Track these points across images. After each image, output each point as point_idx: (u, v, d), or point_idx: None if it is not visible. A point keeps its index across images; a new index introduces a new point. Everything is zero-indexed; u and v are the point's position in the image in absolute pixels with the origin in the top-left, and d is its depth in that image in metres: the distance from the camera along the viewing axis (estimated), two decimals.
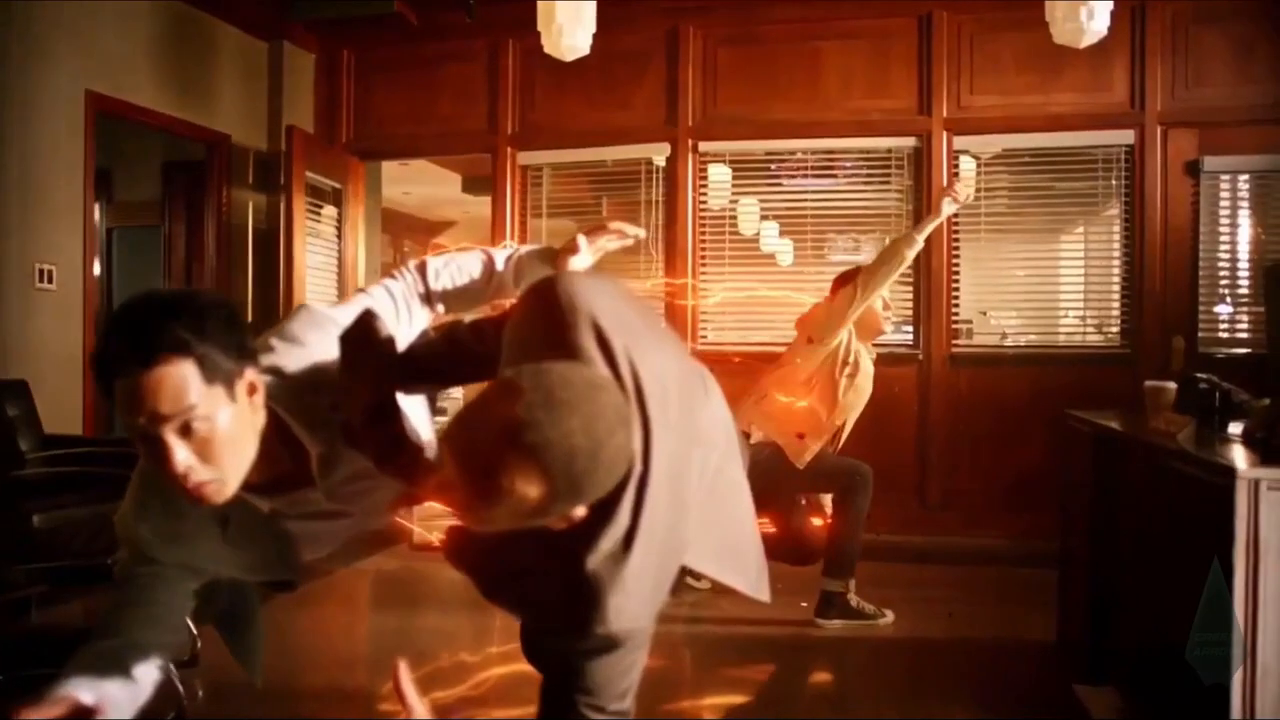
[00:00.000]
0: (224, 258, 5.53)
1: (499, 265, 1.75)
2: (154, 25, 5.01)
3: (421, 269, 1.75)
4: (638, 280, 5.67)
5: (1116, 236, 5.17)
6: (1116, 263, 5.17)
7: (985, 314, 5.40)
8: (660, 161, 5.57)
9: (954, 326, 5.26)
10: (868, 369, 3.76)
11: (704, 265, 5.55)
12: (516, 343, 1.39)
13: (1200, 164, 4.95)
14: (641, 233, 1.80)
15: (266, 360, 1.52)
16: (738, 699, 3.08)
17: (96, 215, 6.78)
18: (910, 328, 5.27)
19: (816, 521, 3.91)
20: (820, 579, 3.71)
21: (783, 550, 3.90)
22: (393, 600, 4.29)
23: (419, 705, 1.15)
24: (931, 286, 5.21)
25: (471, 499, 1.14)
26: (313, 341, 1.54)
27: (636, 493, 1.27)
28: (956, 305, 5.27)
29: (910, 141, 5.26)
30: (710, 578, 1.65)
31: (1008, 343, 5.31)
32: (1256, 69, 4.88)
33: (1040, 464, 4.71)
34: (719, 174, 5.57)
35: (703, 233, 5.55)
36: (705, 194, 5.56)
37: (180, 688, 2.68)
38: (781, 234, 5.63)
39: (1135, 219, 5.04)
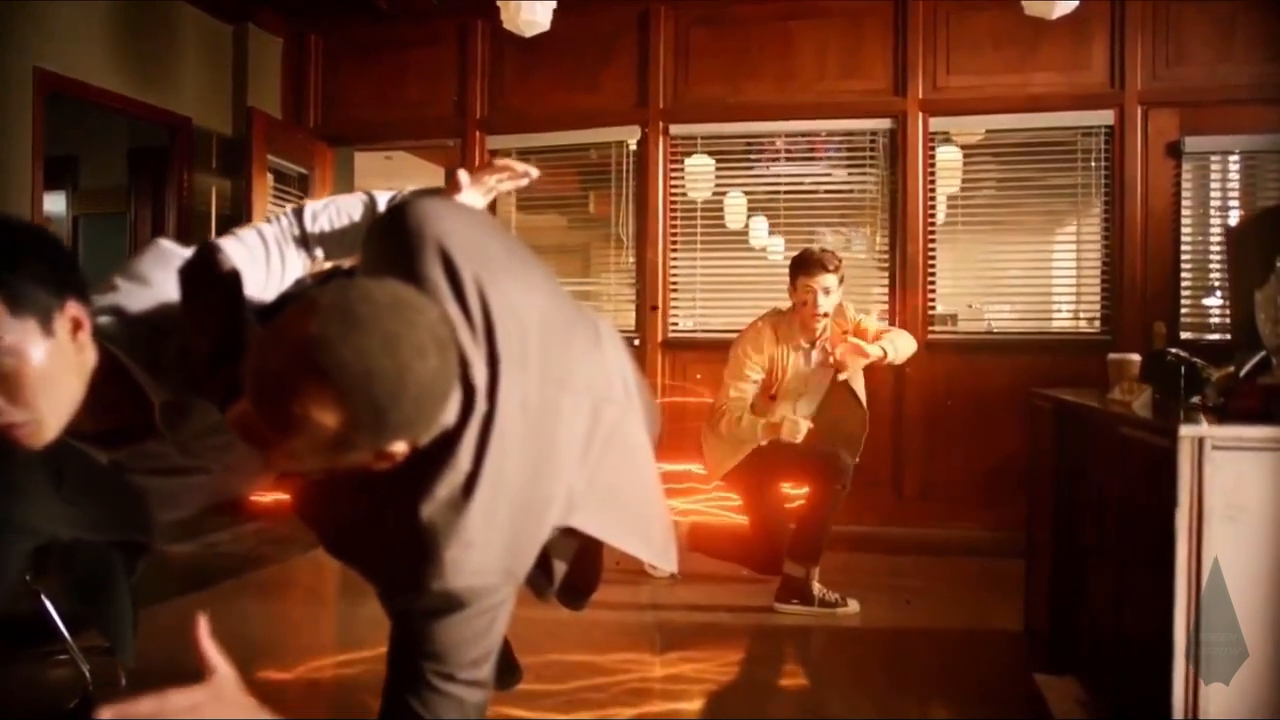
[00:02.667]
0: (185, 243, 5.39)
1: (381, 207, 1.63)
2: (111, 4, 4.89)
3: (299, 213, 1.63)
4: (608, 269, 5.57)
5: (1097, 222, 5.02)
6: (1097, 247, 5.03)
7: (971, 306, 5.26)
8: (633, 145, 5.44)
9: (930, 314, 5.13)
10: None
11: (675, 251, 5.42)
12: (366, 270, 1.27)
13: (1181, 144, 4.81)
14: (534, 171, 1.68)
15: (108, 299, 1.40)
16: (691, 688, 2.95)
17: (62, 202, 6.73)
18: (886, 316, 5.14)
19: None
20: (784, 563, 3.59)
21: (747, 554, 3.81)
22: (342, 588, 4.16)
23: (220, 662, 1.02)
24: (907, 274, 5.08)
25: (267, 429, 1.01)
26: (159, 280, 1.42)
27: (480, 434, 1.15)
28: (933, 293, 5.14)
29: (885, 123, 5.13)
30: (607, 543, 1.52)
31: (985, 330, 5.18)
32: (1238, 47, 4.75)
33: (1018, 453, 4.54)
34: (700, 164, 5.42)
35: (674, 218, 5.42)
36: (681, 180, 5.42)
37: (88, 674, 2.57)
38: (770, 229, 5.51)
39: (1115, 202, 4.91)
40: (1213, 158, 4.91)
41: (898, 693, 2.85)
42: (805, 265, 3.63)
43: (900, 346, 3.64)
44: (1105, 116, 4.90)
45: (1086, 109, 4.91)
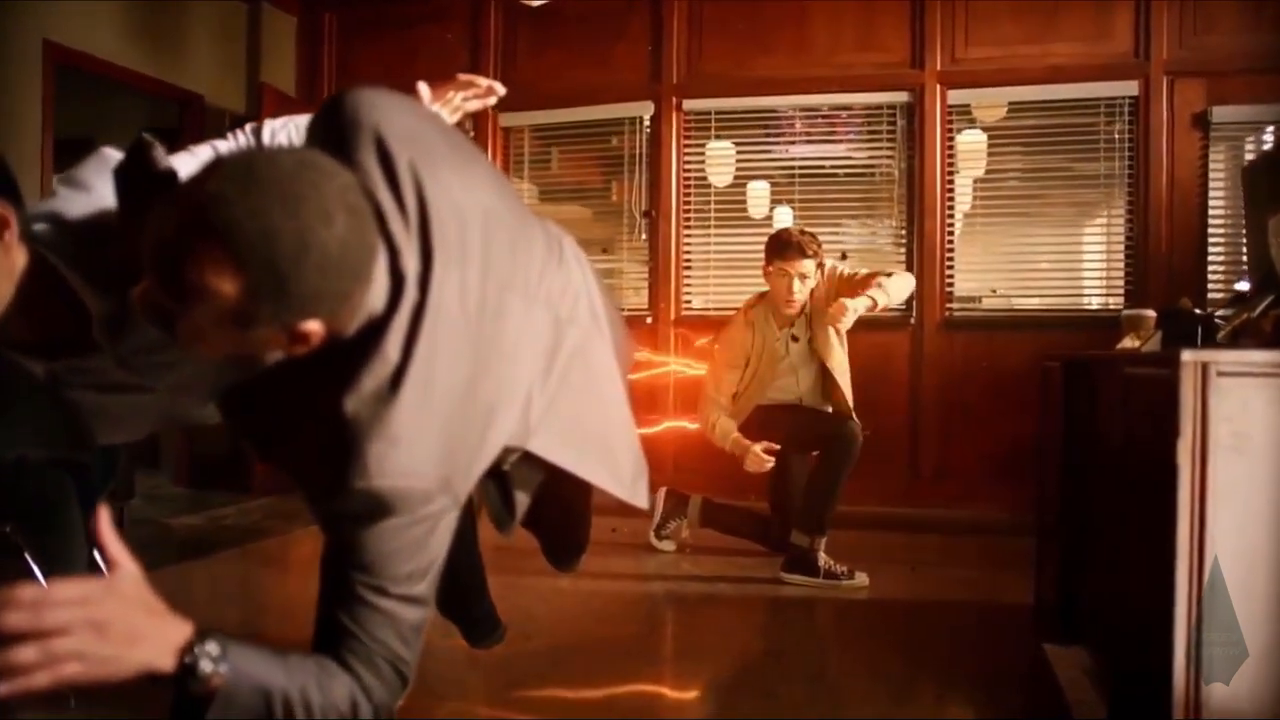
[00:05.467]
0: None
1: None
2: None
3: (256, 131, 1.58)
4: (622, 248, 5.49)
5: (1123, 204, 4.87)
6: (1122, 226, 4.89)
7: (995, 291, 5.11)
8: (646, 120, 5.36)
9: (948, 292, 5.00)
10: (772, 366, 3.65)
11: (688, 228, 5.34)
12: None
13: (1208, 115, 4.65)
14: (500, 88, 1.61)
15: (46, 206, 1.35)
16: (693, 658, 2.87)
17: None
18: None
19: None
20: (791, 533, 3.51)
21: (761, 530, 3.76)
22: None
23: (125, 559, 0.96)
24: (924, 249, 4.96)
25: (165, 300, 0.95)
26: (101, 187, 1.37)
27: (410, 325, 1.08)
28: (951, 268, 5.01)
29: (903, 96, 5.02)
30: (570, 471, 1.44)
31: (1005, 307, 5.05)
32: (1268, 14, 4.58)
33: (1036, 433, 4.44)
34: (721, 149, 5.31)
35: (687, 194, 5.34)
36: (694, 156, 5.33)
37: None
38: (776, 204, 5.38)
39: (1140, 176, 4.76)
40: (1236, 129, 4.75)
41: (903, 661, 2.75)
42: (782, 248, 3.51)
43: (892, 288, 3.47)
44: (1129, 87, 4.76)
45: (1110, 79, 4.77)
